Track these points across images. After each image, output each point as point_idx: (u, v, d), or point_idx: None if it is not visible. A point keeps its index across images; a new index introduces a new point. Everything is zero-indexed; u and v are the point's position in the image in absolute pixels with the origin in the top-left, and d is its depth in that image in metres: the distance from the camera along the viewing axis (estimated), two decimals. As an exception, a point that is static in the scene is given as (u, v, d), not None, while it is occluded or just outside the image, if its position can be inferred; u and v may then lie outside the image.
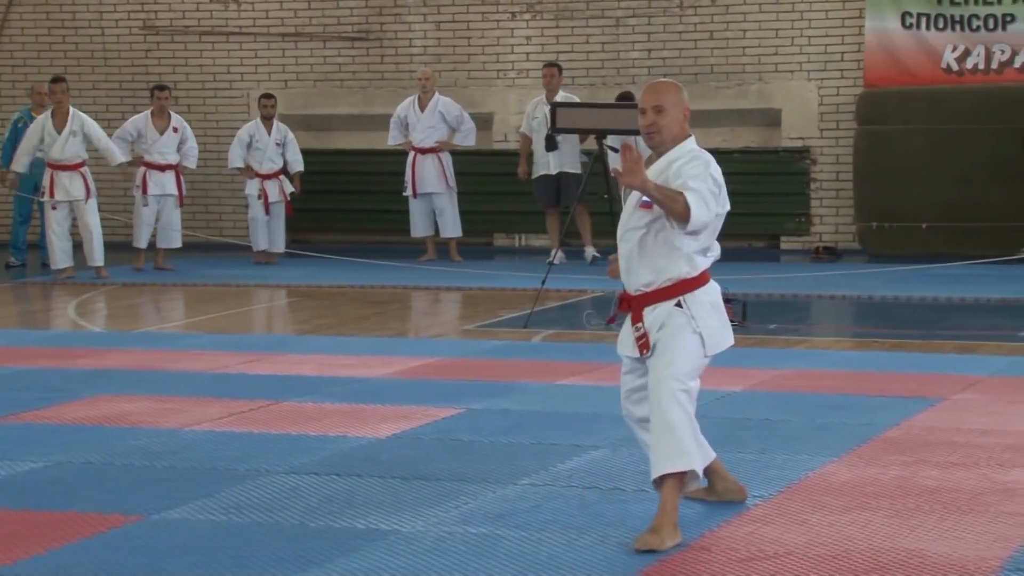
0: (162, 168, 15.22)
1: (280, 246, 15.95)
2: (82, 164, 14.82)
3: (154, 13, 18.17)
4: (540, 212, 16.32)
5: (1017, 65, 15.69)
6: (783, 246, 16.54)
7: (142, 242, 15.28)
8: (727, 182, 5.62)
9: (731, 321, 10.89)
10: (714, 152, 5.83)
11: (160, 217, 15.31)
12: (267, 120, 15.90)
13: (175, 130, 15.38)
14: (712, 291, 5.59)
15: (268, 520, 5.72)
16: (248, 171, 15.86)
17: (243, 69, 17.98)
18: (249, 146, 15.82)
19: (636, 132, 12.62)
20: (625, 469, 6.39)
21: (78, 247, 14.81)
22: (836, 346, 10.39)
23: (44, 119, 14.83)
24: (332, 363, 9.49)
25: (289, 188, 15.91)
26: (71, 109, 14.86)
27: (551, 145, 15.00)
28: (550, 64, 15.59)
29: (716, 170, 5.52)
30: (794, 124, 16.43)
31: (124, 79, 17.90)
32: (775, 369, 9.05)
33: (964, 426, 7.28)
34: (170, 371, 9.24)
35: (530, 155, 15.46)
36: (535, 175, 15.40)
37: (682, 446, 5.37)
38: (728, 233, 5.72)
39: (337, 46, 17.71)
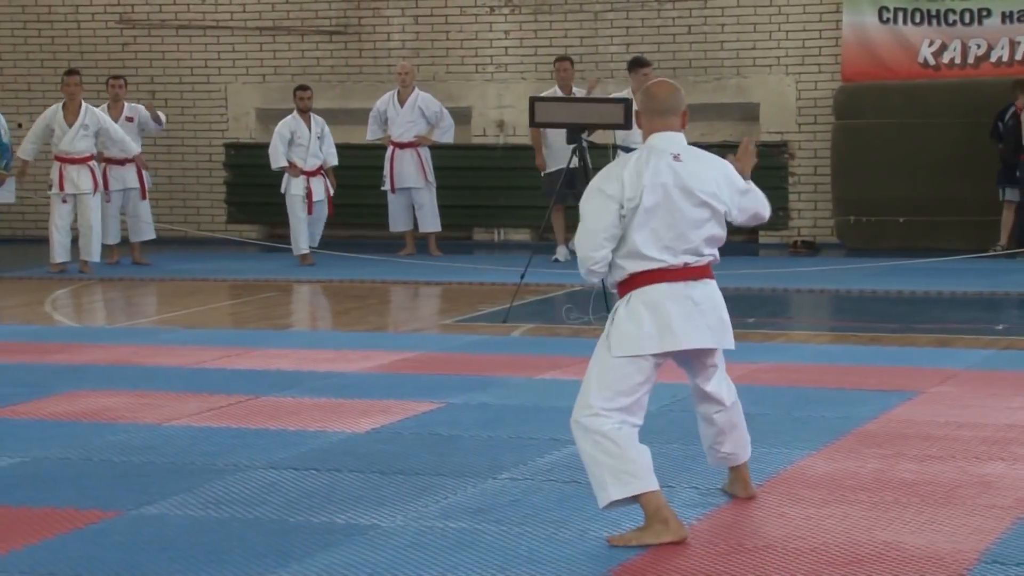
0: (121, 162, 15.04)
1: (315, 244, 15.31)
2: (90, 158, 14.73)
3: (131, 7, 18.11)
4: (518, 206, 16.31)
5: (993, 59, 15.74)
6: (761, 240, 16.56)
7: (112, 238, 15.14)
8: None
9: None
10: (693, 146, 5.81)
11: (126, 211, 15.19)
12: (304, 113, 15.19)
13: (129, 119, 15.22)
14: (653, 292, 5.41)
15: (247, 515, 5.71)
16: (294, 169, 15.00)
17: (220, 63, 17.92)
18: (290, 143, 15.07)
19: (616, 126, 12.60)
20: (604, 463, 6.38)
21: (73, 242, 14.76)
22: (814, 340, 10.40)
23: (55, 111, 14.73)
24: (311, 358, 9.47)
25: (331, 187, 15.24)
26: (83, 103, 14.78)
27: (573, 138, 14.07)
28: (563, 58, 15.40)
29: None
30: (772, 118, 16.45)
31: (100, 73, 17.81)
32: (753, 363, 9.06)
33: (941, 419, 7.31)
34: (147, 366, 9.22)
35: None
36: (551, 168, 14.89)
37: (596, 482, 5.29)
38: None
39: (315, 40, 17.67)
